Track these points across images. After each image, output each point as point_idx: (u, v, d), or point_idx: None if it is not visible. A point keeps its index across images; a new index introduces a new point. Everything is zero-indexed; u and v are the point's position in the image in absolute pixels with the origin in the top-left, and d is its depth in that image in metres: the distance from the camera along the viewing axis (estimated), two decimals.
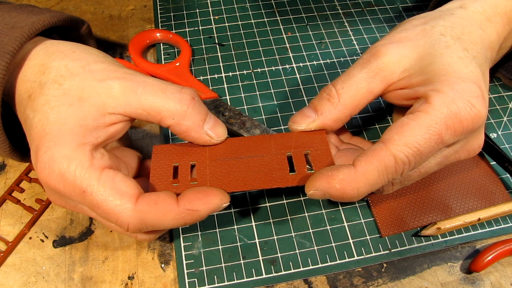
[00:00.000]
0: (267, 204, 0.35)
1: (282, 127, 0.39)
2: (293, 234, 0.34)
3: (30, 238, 0.33)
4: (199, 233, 0.33)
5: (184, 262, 0.32)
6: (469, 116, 0.25)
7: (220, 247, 0.33)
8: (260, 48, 0.45)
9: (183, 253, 0.32)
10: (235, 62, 0.43)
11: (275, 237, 0.33)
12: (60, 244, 0.33)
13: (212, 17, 0.47)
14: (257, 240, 0.33)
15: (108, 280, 0.32)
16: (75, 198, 0.26)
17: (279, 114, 0.40)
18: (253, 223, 0.34)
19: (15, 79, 0.28)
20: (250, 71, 0.43)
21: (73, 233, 0.34)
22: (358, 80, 0.29)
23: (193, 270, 0.32)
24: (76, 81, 0.26)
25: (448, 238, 0.33)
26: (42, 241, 0.33)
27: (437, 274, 0.33)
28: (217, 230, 0.34)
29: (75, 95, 0.26)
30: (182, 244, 0.33)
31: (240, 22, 0.47)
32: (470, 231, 0.34)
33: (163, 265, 0.32)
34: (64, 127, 0.25)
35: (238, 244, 0.33)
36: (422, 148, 0.25)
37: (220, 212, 0.34)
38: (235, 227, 0.34)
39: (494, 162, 0.37)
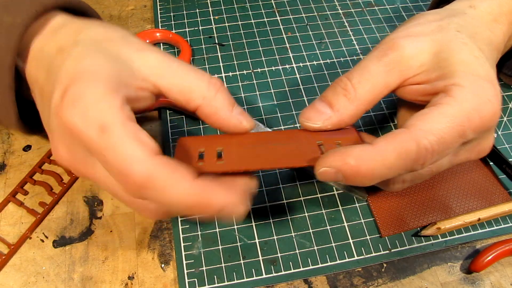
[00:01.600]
0: (267, 204, 0.35)
1: (282, 127, 0.39)
2: (293, 234, 0.33)
3: (30, 238, 0.33)
4: (199, 233, 0.33)
5: (184, 262, 0.32)
6: (488, 113, 0.25)
7: (220, 247, 0.33)
8: (260, 48, 0.45)
9: (183, 253, 0.32)
10: (235, 62, 0.43)
11: (275, 237, 0.33)
12: (60, 244, 0.33)
13: (212, 17, 0.47)
14: (257, 240, 0.33)
15: (108, 280, 0.32)
16: (90, 139, 0.23)
17: (279, 114, 0.40)
18: (253, 223, 0.34)
19: (34, 37, 0.27)
20: (250, 71, 0.43)
21: (73, 233, 0.34)
22: (375, 73, 0.28)
23: (193, 270, 0.32)
24: (114, 45, 0.26)
25: (448, 238, 0.33)
26: (42, 241, 0.33)
27: (437, 274, 0.33)
28: (217, 230, 0.34)
29: (112, 54, 0.25)
30: (182, 244, 0.33)
31: (240, 22, 0.47)
32: (470, 231, 0.34)
33: (163, 265, 0.32)
34: (99, 73, 0.24)
35: (238, 244, 0.33)
36: (446, 137, 0.24)
37: None
38: (235, 227, 0.34)
39: (492, 163, 0.37)
